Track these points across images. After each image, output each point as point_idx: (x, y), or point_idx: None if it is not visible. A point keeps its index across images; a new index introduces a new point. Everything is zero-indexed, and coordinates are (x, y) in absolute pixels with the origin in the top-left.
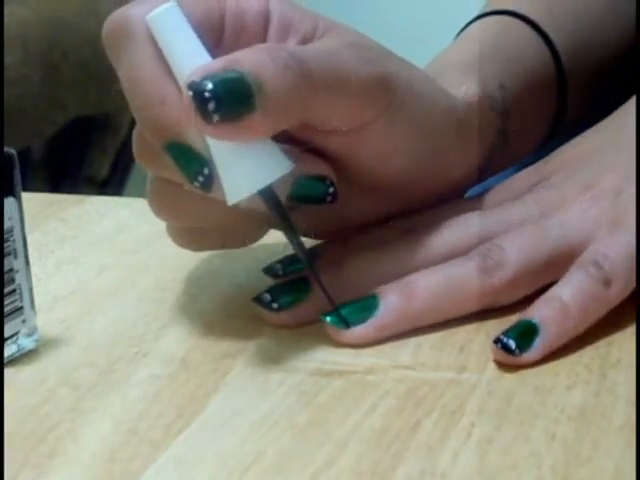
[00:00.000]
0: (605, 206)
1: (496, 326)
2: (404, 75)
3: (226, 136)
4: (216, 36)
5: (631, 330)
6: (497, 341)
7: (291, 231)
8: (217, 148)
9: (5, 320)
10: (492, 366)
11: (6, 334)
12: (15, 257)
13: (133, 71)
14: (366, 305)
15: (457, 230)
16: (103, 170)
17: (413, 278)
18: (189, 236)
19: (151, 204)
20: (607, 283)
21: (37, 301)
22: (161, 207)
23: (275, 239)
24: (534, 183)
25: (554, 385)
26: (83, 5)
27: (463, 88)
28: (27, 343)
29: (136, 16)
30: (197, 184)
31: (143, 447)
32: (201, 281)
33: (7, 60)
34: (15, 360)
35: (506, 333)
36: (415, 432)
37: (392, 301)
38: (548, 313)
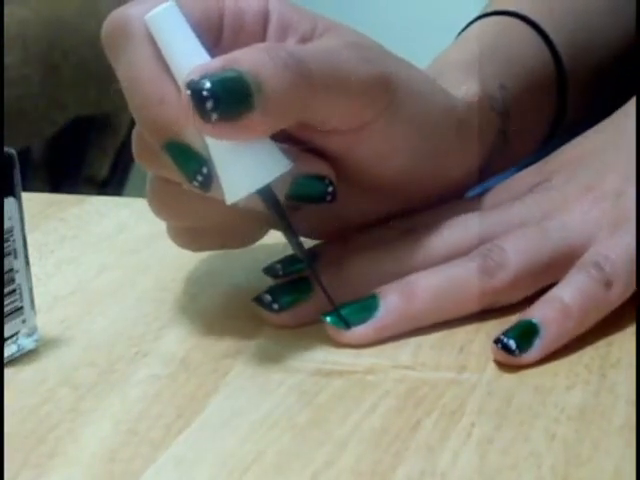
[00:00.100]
0: (606, 207)
1: (496, 326)
2: (404, 75)
3: (225, 135)
4: (215, 36)
5: (631, 330)
6: (497, 341)
7: (290, 231)
8: (216, 147)
9: (5, 320)
10: (492, 366)
11: (6, 334)
12: (15, 257)
13: (132, 71)
14: (366, 305)
15: (457, 230)
16: (103, 170)
17: (413, 278)
18: (189, 236)
19: (151, 204)
20: (608, 285)
21: (37, 301)
22: (161, 207)
23: (275, 239)
24: (535, 184)
25: (554, 385)
26: (83, 5)
27: (463, 88)
28: (27, 343)
29: (135, 16)
30: (196, 183)
31: (143, 447)
32: (201, 281)
33: (7, 60)
34: (15, 360)
35: (506, 333)
36: (415, 432)
37: (392, 301)
38: (548, 313)
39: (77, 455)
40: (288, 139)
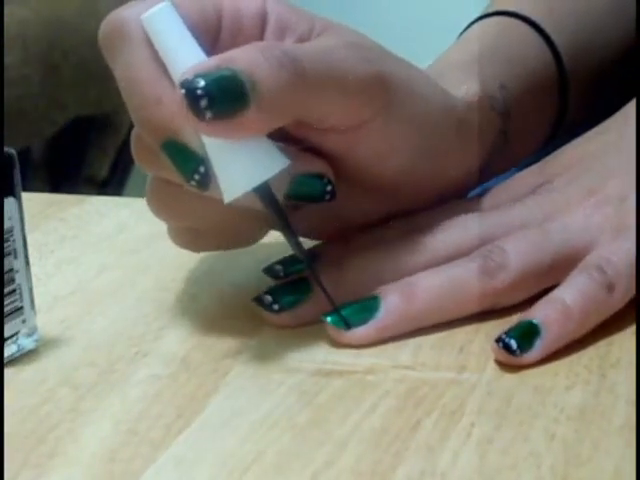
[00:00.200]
0: (609, 212)
1: (496, 327)
2: (401, 74)
3: (219, 133)
4: (213, 37)
5: (631, 330)
6: (498, 340)
7: (288, 230)
8: (213, 147)
9: (5, 320)
10: (492, 366)
11: (6, 334)
12: (15, 257)
13: (129, 71)
14: (367, 306)
15: (457, 231)
16: (103, 170)
17: (414, 279)
18: (189, 237)
19: (150, 204)
20: (610, 288)
21: (37, 301)
22: (160, 207)
23: (275, 239)
24: (536, 185)
25: (554, 385)
26: (83, 5)
27: (463, 88)
28: (27, 343)
29: (131, 17)
30: (194, 183)
31: (143, 447)
32: (201, 281)
33: (7, 60)
34: (15, 360)
35: (507, 333)
36: (415, 432)
37: (393, 302)
38: (550, 314)
39: (77, 455)
40: (286, 138)
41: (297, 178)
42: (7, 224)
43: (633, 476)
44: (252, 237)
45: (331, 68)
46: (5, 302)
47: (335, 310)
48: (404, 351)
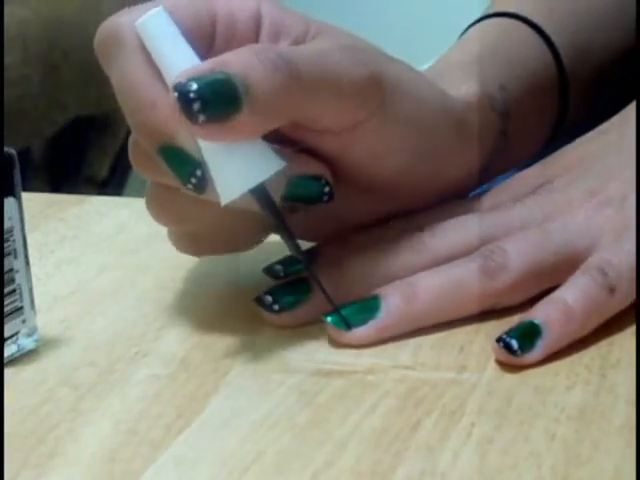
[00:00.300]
0: (610, 214)
1: (496, 327)
2: (396, 75)
3: (213, 136)
4: (207, 43)
5: (631, 330)
6: (499, 340)
7: (286, 232)
8: (208, 150)
9: (5, 320)
10: (492, 366)
11: (6, 334)
12: (15, 257)
13: (124, 77)
14: (367, 306)
15: (457, 231)
16: (103, 170)
17: (415, 279)
18: (189, 241)
19: (150, 209)
20: (611, 290)
21: (37, 301)
22: (160, 212)
23: (275, 239)
24: (536, 185)
25: (554, 385)
26: (83, 5)
27: (463, 88)
28: (27, 343)
29: (126, 24)
30: (190, 186)
31: (143, 447)
32: (201, 281)
33: (7, 60)
34: (15, 360)
35: (509, 333)
36: (415, 432)
37: (393, 302)
38: (551, 314)
39: (77, 455)
40: (283, 140)
41: (294, 180)
42: (7, 224)
43: (633, 476)
44: (252, 241)
45: (325, 70)
46: (5, 302)
47: (335, 310)
48: (404, 351)
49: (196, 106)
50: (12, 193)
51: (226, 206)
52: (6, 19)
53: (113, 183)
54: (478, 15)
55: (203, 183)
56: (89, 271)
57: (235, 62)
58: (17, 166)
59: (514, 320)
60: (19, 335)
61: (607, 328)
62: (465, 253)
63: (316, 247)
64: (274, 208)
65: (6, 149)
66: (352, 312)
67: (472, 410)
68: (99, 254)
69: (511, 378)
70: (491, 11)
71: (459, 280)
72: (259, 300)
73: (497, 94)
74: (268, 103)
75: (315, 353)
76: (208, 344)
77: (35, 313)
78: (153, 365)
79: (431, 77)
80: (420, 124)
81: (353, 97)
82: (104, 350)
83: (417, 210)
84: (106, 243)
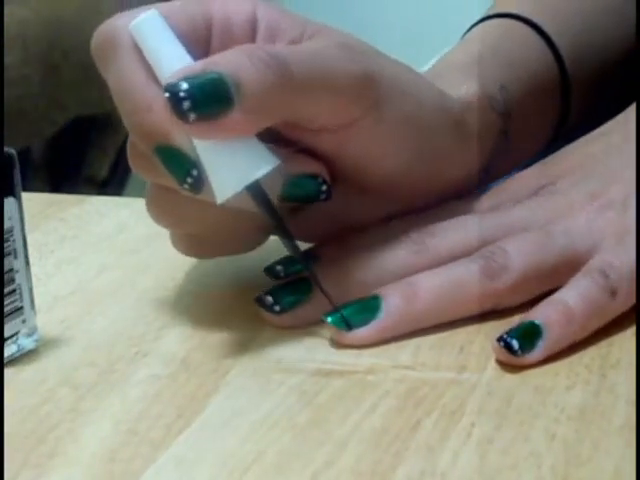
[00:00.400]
0: (612, 217)
1: (496, 327)
2: (392, 74)
3: (204, 134)
4: (203, 47)
5: (631, 330)
6: (500, 340)
7: (284, 232)
8: (203, 150)
9: (5, 320)
10: (492, 366)
11: (6, 334)
12: (15, 257)
13: (121, 80)
14: (368, 306)
15: (458, 231)
16: (103, 170)
17: (415, 279)
18: (190, 243)
19: (150, 211)
20: (612, 293)
21: (37, 301)
22: (160, 214)
23: (275, 239)
24: (538, 186)
25: (554, 385)
26: (83, 5)
27: (463, 88)
28: (27, 343)
29: (121, 27)
30: (186, 186)
31: (143, 447)
32: (201, 281)
33: (7, 60)
34: (15, 360)
35: (509, 333)
36: (415, 432)
37: (394, 303)
38: (552, 315)
39: (77, 455)
40: (280, 140)
41: (291, 179)
42: (7, 224)
43: (633, 476)
44: (252, 243)
45: (317, 68)
46: (5, 302)
47: (336, 310)
48: (404, 351)
49: (186, 105)
50: (12, 193)
51: (224, 206)
52: (6, 19)
53: (113, 183)
54: (479, 16)
55: (199, 183)
56: (89, 271)
57: (226, 62)
58: (17, 166)
59: (514, 320)
60: (19, 335)
61: (607, 329)
62: (465, 253)
63: (316, 248)
64: (271, 208)
65: (6, 149)
66: (352, 312)
67: (472, 410)
68: (99, 254)
69: (511, 378)
70: (492, 12)
71: (459, 280)
72: (259, 300)
73: (498, 94)
74: (260, 101)
75: (315, 353)
76: (208, 344)
77: (35, 313)
78: (153, 365)
79: (431, 77)
80: (418, 124)
81: (346, 94)
82: (104, 350)
83: (417, 210)
84: (106, 243)
